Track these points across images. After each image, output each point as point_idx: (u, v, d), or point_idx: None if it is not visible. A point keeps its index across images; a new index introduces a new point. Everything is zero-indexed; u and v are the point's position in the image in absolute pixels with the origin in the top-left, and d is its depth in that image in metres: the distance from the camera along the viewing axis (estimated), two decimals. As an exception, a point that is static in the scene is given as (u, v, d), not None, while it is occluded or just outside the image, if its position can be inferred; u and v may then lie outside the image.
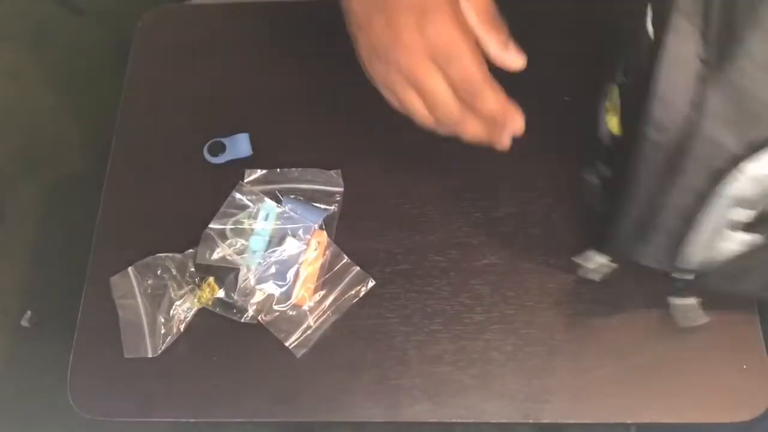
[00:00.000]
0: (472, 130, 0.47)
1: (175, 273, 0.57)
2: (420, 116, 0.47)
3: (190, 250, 0.58)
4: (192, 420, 0.54)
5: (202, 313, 0.56)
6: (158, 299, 0.56)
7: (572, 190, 0.58)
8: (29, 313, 1.25)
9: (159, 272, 0.57)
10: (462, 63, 0.44)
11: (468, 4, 0.45)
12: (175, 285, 0.56)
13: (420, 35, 0.43)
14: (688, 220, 0.43)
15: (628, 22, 0.45)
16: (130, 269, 0.57)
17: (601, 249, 0.50)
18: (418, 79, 0.44)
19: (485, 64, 0.45)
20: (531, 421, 0.52)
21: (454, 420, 0.52)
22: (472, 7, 0.45)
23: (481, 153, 0.60)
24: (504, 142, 0.48)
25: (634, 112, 0.42)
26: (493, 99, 0.45)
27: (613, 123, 0.49)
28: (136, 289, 0.57)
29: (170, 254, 0.58)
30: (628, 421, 0.52)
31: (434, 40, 0.43)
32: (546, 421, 0.52)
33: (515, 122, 0.46)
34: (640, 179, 0.43)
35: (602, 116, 0.50)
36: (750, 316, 0.54)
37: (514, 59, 0.46)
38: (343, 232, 0.58)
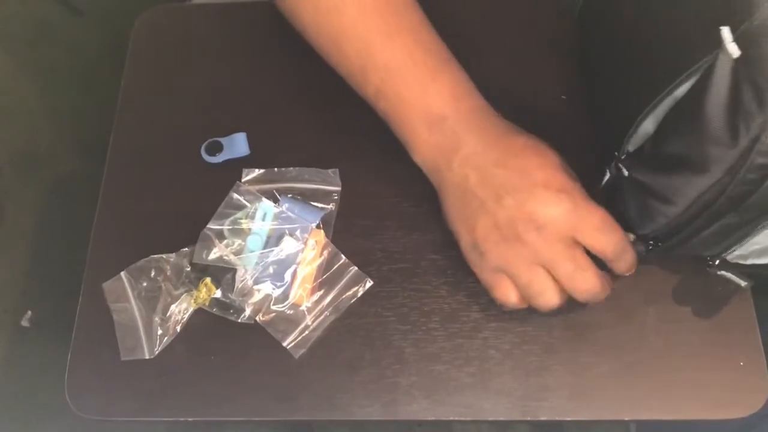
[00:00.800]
0: (604, 292, 0.50)
1: (170, 274, 0.57)
2: (546, 297, 0.49)
3: (185, 249, 0.58)
4: (190, 419, 0.54)
5: (198, 313, 0.56)
6: (153, 301, 0.56)
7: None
8: (29, 313, 1.25)
9: (153, 274, 0.57)
10: (617, 232, 0.48)
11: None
12: (170, 286, 0.57)
13: (565, 212, 0.47)
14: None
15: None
16: (122, 273, 0.57)
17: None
18: (556, 257, 0.47)
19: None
20: (529, 418, 0.52)
21: (451, 418, 0.52)
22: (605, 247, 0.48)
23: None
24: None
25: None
26: (632, 255, 0.49)
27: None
28: (130, 293, 0.57)
29: (164, 255, 0.58)
30: (626, 418, 0.52)
31: (581, 214, 0.47)
32: (544, 418, 0.52)
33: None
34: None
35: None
36: (747, 313, 0.54)
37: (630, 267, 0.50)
38: (341, 230, 0.58)
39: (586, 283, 0.48)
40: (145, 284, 0.57)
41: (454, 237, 0.52)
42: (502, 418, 0.52)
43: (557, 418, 0.52)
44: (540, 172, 0.47)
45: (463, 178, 0.49)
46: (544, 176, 0.47)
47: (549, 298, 0.49)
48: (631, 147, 0.47)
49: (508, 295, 0.49)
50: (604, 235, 0.47)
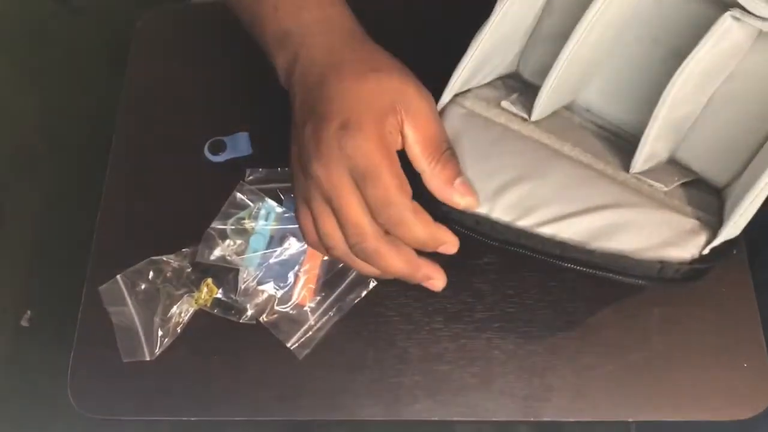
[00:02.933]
0: (393, 265, 0.43)
1: (170, 275, 0.57)
2: (332, 242, 0.43)
3: (185, 250, 0.57)
4: (192, 419, 0.54)
5: (200, 314, 0.56)
6: (153, 303, 0.56)
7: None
8: (29, 313, 1.25)
9: (152, 276, 0.57)
10: (380, 183, 0.40)
11: (412, 133, 0.43)
12: (170, 287, 0.56)
13: (339, 149, 0.41)
14: None
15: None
16: (118, 277, 0.57)
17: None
18: (331, 194, 0.41)
19: (409, 190, 0.42)
20: (532, 419, 0.52)
21: (454, 418, 0.52)
22: (416, 136, 0.43)
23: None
24: (435, 285, 0.46)
25: None
26: (419, 227, 0.42)
27: None
28: (127, 296, 0.57)
29: (163, 257, 0.57)
30: (629, 419, 0.52)
31: (352, 156, 0.40)
32: (547, 419, 0.52)
33: (449, 249, 0.44)
34: None
35: None
36: (751, 313, 0.54)
37: (459, 198, 0.43)
38: (344, 230, 0.58)
39: (359, 237, 0.42)
40: (143, 286, 0.57)
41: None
42: (505, 419, 0.52)
43: (561, 419, 0.52)
44: (356, 102, 0.42)
45: (293, 98, 0.46)
46: (356, 108, 0.41)
47: (334, 242, 0.43)
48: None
49: (307, 227, 0.44)
50: (378, 190, 0.41)
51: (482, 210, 0.44)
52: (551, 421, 0.52)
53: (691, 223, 0.43)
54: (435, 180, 0.43)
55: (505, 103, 0.48)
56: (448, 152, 0.44)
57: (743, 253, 0.55)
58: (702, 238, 0.43)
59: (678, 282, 0.42)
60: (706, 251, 0.42)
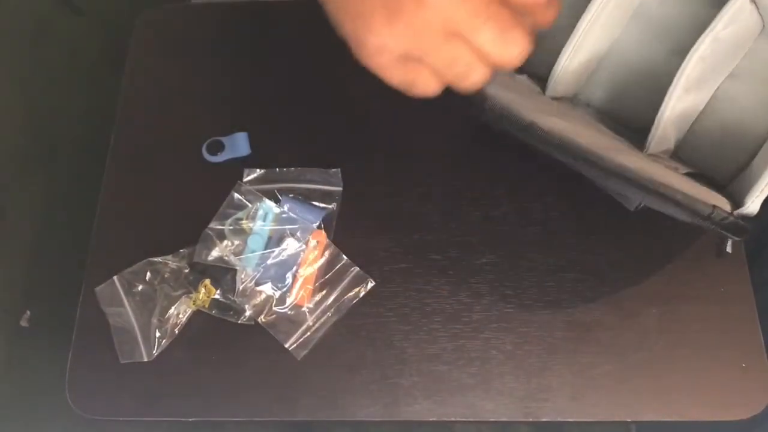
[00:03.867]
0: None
1: (168, 276, 0.57)
2: (465, 58, 0.37)
3: (182, 251, 0.57)
4: (190, 419, 0.54)
5: (198, 315, 0.56)
6: (150, 304, 0.56)
7: (571, 189, 0.58)
8: (29, 313, 1.25)
9: (149, 277, 0.57)
10: None
11: None
12: (168, 288, 0.56)
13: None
14: None
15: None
16: (115, 278, 0.57)
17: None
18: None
19: None
20: (530, 419, 0.52)
21: (453, 419, 0.52)
22: None
23: (480, 152, 0.61)
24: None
25: None
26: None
27: None
28: (124, 297, 0.57)
29: (160, 258, 0.57)
30: (628, 420, 0.52)
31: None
32: (545, 419, 0.52)
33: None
34: None
35: None
36: (749, 314, 0.54)
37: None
38: (342, 230, 0.58)
39: (517, 44, 0.36)
40: (140, 288, 0.57)
41: (351, 46, 0.39)
42: (503, 419, 0.52)
43: (559, 419, 0.52)
44: None
45: None
46: None
47: (479, 76, 0.38)
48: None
49: (429, 85, 0.38)
50: None
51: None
52: (550, 421, 0.52)
53: (715, 195, 0.43)
54: None
55: (520, 77, 0.48)
56: None
57: (742, 254, 0.55)
58: (728, 207, 0.42)
59: (725, 229, 0.41)
60: (736, 215, 0.42)
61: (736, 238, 0.42)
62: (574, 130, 0.43)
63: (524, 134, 0.42)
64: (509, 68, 0.38)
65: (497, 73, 0.39)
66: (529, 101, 0.45)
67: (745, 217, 0.42)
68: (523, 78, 0.48)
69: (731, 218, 0.41)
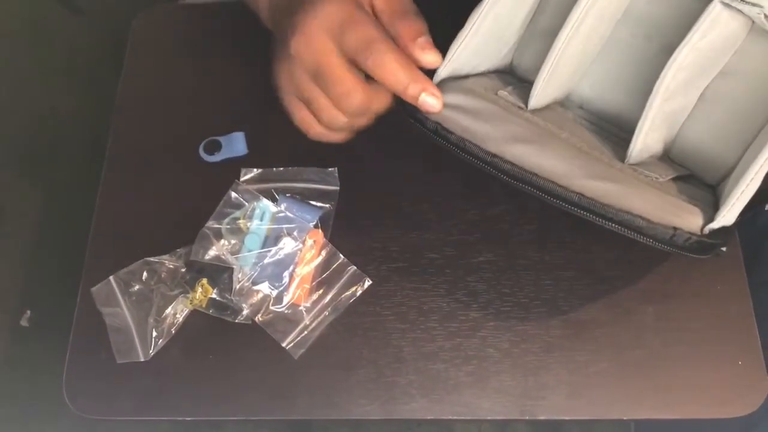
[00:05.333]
0: (383, 101, 0.47)
1: (164, 276, 0.57)
2: (331, 115, 0.47)
3: (179, 250, 0.58)
4: (189, 419, 0.54)
5: (195, 315, 0.56)
6: (146, 304, 0.56)
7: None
8: (29, 312, 1.25)
9: (145, 277, 0.57)
10: (358, 27, 0.43)
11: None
12: (165, 288, 0.56)
13: (313, 17, 0.43)
14: None
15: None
16: (111, 278, 0.57)
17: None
18: (317, 60, 0.44)
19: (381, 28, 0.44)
20: (527, 417, 0.52)
21: (450, 417, 0.52)
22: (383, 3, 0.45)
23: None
24: (430, 103, 0.45)
25: None
26: (400, 58, 0.43)
27: None
28: (120, 297, 0.57)
29: (156, 258, 0.57)
30: (624, 418, 0.52)
31: (326, 15, 0.43)
32: (542, 417, 0.52)
33: (430, 100, 0.45)
34: None
35: None
36: (746, 311, 0.54)
37: (421, 54, 0.44)
38: (339, 229, 0.58)
39: (348, 97, 0.45)
40: (136, 288, 0.57)
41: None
42: (500, 417, 0.52)
43: (556, 417, 0.52)
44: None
45: (274, 22, 0.50)
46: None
47: (332, 114, 0.48)
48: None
49: (305, 118, 0.50)
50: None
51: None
52: (547, 419, 0.52)
53: (689, 207, 0.43)
54: (399, 39, 0.44)
55: (502, 92, 0.48)
56: (413, 13, 0.45)
57: (738, 251, 0.55)
58: (701, 221, 0.43)
59: (687, 251, 0.42)
60: (706, 231, 0.42)
61: (701, 257, 0.43)
62: (540, 154, 0.44)
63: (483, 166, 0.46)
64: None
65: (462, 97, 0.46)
66: (498, 128, 0.45)
67: (720, 230, 0.42)
68: (505, 93, 0.48)
69: (694, 237, 0.41)
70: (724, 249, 0.44)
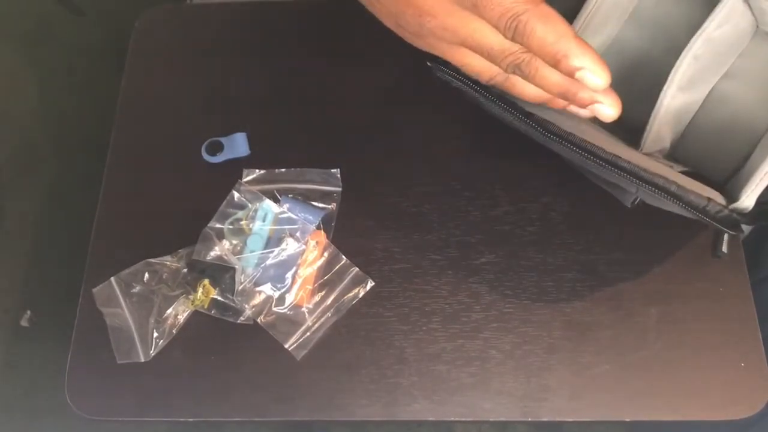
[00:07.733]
0: (541, 77, 0.37)
1: (165, 277, 0.57)
2: (485, 74, 0.40)
3: (180, 251, 0.57)
4: (190, 420, 0.54)
5: (196, 315, 0.56)
6: (147, 305, 0.56)
7: (570, 188, 0.58)
8: (29, 312, 1.25)
9: (146, 278, 0.57)
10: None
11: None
12: (165, 289, 0.56)
13: None
14: None
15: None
16: (112, 279, 0.57)
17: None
18: (458, 37, 0.38)
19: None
20: (530, 419, 0.52)
21: (452, 418, 0.52)
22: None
23: (479, 151, 0.61)
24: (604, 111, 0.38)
25: None
26: (545, 29, 0.34)
27: None
28: (121, 298, 0.57)
29: (158, 259, 0.57)
30: (627, 419, 0.52)
31: None
32: (545, 419, 0.52)
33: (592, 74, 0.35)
34: None
35: None
36: (748, 313, 0.54)
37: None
38: (341, 230, 0.58)
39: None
40: (137, 288, 0.57)
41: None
42: (502, 419, 0.52)
43: (558, 419, 0.52)
44: None
45: None
46: None
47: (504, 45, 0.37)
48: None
49: (471, 63, 0.41)
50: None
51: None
52: (549, 421, 0.52)
53: (710, 190, 0.43)
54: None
55: None
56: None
57: (740, 254, 0.55)
58: (723, 201, 0.42)
59: (719, 222, 0.41)
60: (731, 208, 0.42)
61: (732, 233, 0.42)
62: (570, 123, 0.43)
63: (520, 122, 0.43)
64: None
65: None
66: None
67: (740, 213, 0.42)
68: None
69: (726, 211, 0.41)
70: (725, 251, 0.44)
